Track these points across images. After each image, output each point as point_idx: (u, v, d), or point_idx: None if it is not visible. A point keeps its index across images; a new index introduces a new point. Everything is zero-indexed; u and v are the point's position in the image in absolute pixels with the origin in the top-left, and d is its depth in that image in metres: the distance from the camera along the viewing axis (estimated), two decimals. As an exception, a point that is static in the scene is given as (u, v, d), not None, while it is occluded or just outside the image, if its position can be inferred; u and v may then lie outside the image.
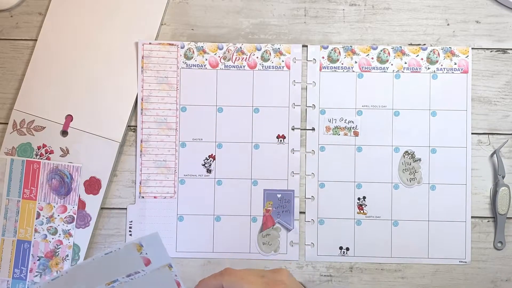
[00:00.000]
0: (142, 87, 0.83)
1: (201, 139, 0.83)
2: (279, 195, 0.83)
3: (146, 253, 0.65)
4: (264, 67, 0.84)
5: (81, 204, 0.82)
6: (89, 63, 0.83)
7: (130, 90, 0.83)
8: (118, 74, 0.83)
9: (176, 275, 0.66)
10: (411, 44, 0.84)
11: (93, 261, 0.64)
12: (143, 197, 0.83)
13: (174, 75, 0.83)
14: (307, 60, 0.84)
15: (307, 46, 0.84)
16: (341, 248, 0.83)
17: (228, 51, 0.84)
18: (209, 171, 0.83)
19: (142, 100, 0.83)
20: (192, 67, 0.84)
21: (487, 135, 0.83)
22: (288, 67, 0.84)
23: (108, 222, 0.83)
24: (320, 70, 0.84)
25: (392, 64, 0.83)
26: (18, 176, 0.81)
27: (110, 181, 0.83)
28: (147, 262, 0.65)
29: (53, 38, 0.83)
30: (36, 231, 0.82)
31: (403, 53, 0.83)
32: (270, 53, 0.84)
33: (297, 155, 0.83)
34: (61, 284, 0.65)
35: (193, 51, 0.84)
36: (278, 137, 0.83)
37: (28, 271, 0.81)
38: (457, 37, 0.84)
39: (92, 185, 0.81)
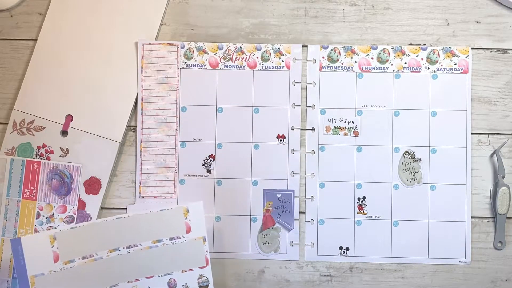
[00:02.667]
0: (142, 87, 0.83)
1: (201, 139, 0.83)
2: (279, 195, 0.83)
3: (190, 220, 0.74)
4: (264, 67, 0.84)
5: (81, 204, 0.82)
6: (89, 63, 0.83)
7: (130, 90, 0.83)
8: (118, 74, 0.83)
9: (207, 251, 0.75)
10: (411, 44, 0.84)
11: (149, 214, 0.75)
12: (143, 197, 0.83)
13: (174, 75, 0.83)
14: (307, 60, 0.84)
15: (307, 46, 0.84)
16: (341, 248, 0.83)
17: (228, 51, 0.84)
18: (209, 171, 0.83)
19: (142, 100, 0.83)
20: (192, 67, 0.84)
21: (487, 135, 0.83)
22: (288, 67, 0.84)
23: (108, 222, 0.83)
24: (320, 70, 0.84)
25: (392, 64, 0.83)
26: (18, 176, 0.81)
27: (110, 181, 0.83)
28: (188, 229, 0.74)
29: (53, 38, 0.83)
30: (36, 231, 0.82)
31: (403, 53, 0.83)
32: (270, 53, 0.84)
33: (297, 155, 0.83)
34: (111, 227, 0.75)
35: (193, 51, 0.84)
36: (278, 137, 0.83)
37: (28, 271, 0.82)
38: (457, 37, 0.84)
39: (92, 185, 0.81)
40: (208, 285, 0.76)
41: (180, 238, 0.75)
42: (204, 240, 0.75)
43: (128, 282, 0.75)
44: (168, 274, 0.75)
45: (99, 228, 0.75)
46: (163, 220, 0.75)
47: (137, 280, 0.75)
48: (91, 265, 0.74)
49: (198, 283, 0.76)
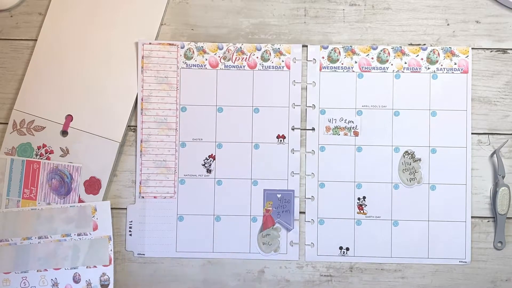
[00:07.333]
0: (142, 87, 0.83)
1: (201, 139, 0.83)
2: (279, 195, 0.83)
3: (97, 218, 0.79)
4: (264, 67, 0.84)
5: (81, 204, 0.82)
6: (89, 63, 0.83)
7: (130, 90, 0.83)
8: (118, 74, 0.83)
9: (111, 250, 0.79)
10: (411, 44, 0.84)
11: (60, 208, 0.79)
12: (143, 197, 0.83)
13: (174, 75, 0.83)
14: (307, 60, 0.84)
15: (307, 46, 0.84)
16: (341, 248, 0.83)
17: (228, 51, 0.84)
18: (209, 171, 0.83)
19: (142, 100, 0.83)
20: (192, 67, 0.84)
21: (487, 135, 0.83)
22: (288, 67, 0.84)
23: (108, 222, 0.83)
24: (320, 70, 0.84)
25: (392, 64, 0.83)
26: (18, 176, 0.81)
27: (110, 181, 0.83)
28: (95, 227, 0.79)
29: (53, 38, 0.83)
30: (36, 231, 0.82)
31: (403, 53, 0.83)
32: (270, 53, 0.84)
33: (297, 155, 0.83)
34: (24, 217, 0.79)
35: (193, 51, 0.84)
36: (278, 137, 0.83)
37: (28, 271, 0.82)
38: (457, 37, 0.84)
39: (92, 185, 0.81)
40: (108, 284, 0.79)
41: (87, 234, 0.79)
42: (110, 239, 0.80)
43: (37, 271, 0.79)
44: (74, 268, 0.79)
45: (15, 216, 0.79)
46: (72, 215, 0.79)
47: (46, 270, 0.79)
48: (5, 249, 0.79)
49: (100, 280, 0.79)
